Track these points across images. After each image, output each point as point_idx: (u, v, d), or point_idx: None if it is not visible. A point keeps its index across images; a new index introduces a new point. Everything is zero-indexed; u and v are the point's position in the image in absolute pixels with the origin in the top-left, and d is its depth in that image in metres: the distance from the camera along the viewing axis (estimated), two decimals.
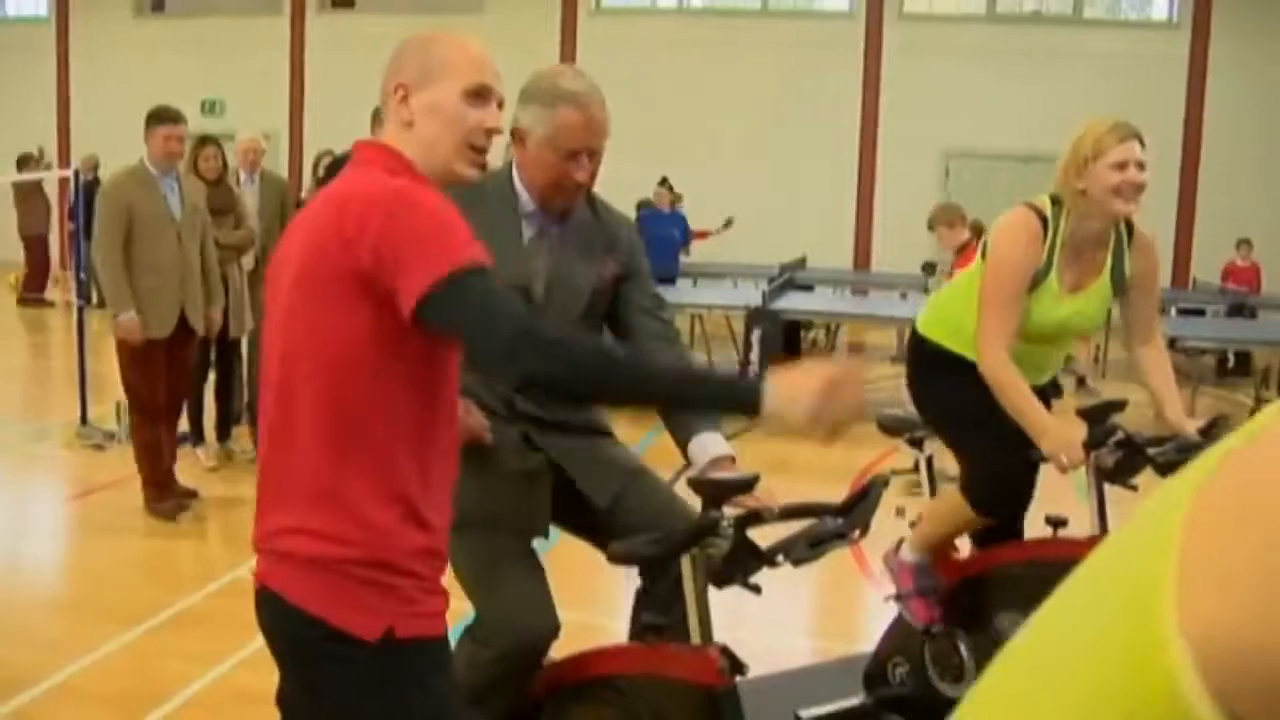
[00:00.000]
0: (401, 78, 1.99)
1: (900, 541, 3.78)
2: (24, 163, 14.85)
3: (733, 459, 2.63)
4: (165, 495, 5.96)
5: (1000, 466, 3.46)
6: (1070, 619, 0.64)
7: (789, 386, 1.85)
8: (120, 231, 5.86)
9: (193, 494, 6.11)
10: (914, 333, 3.75)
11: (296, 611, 1.86)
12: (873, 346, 13.57)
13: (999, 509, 3.54)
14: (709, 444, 2.64)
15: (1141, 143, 3.26)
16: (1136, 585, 0.58)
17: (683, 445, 2.69)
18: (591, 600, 4.76)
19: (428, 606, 1.92)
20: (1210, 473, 0.59)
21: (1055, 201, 3.34)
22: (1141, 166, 3.23)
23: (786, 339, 9.72)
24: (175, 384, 6.09)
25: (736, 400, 1.92)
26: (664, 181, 13.16)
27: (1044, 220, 3.32)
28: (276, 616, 1.91)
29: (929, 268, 13.56)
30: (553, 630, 2.66)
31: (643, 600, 2.81)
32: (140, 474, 5.97)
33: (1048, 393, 3.69)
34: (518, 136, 2.65)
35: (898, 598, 3.76)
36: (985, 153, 16.16)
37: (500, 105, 2.05)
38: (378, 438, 1.85)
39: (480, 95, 1.99)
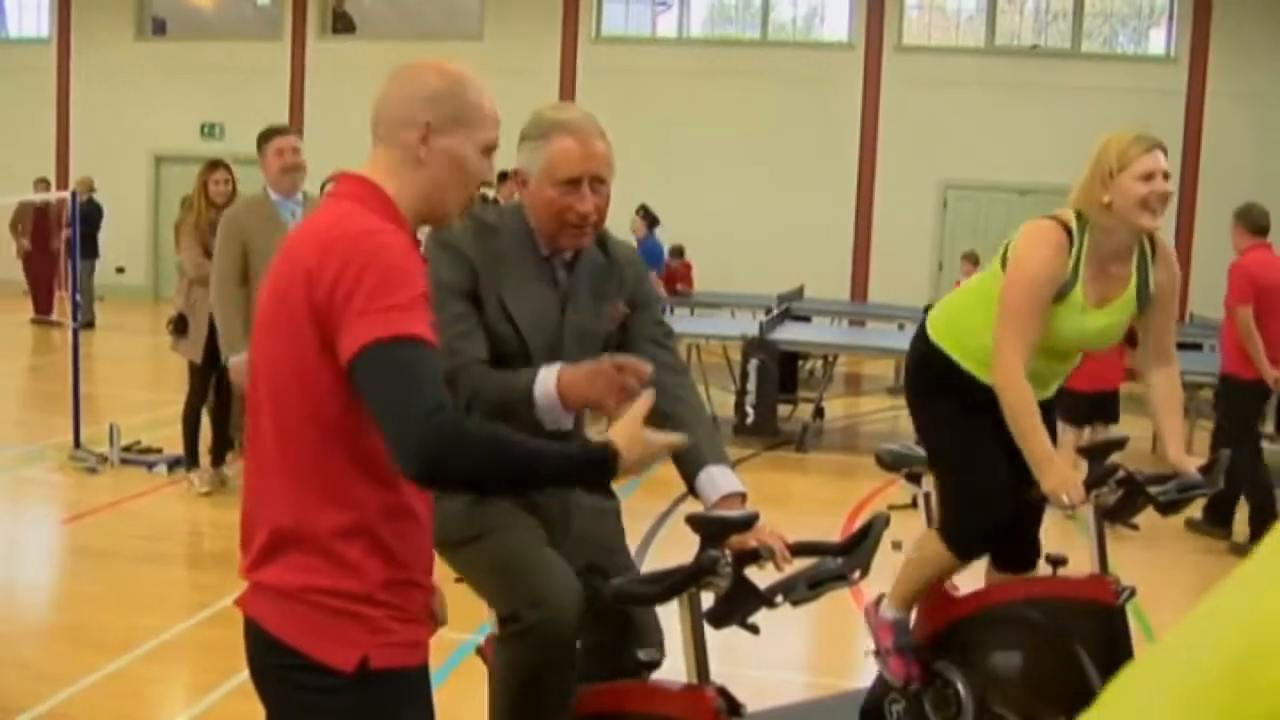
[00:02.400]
0: (429, 116, 1.97)
1: (880, 597, 3.76)
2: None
3: (743, 496, 2.59)
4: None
5: (984, 505, 3.44)
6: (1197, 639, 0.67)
7: (627, 439, 1.97)
8: (234, 265, 5.55)
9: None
10: (921, 335, 3.66)
11: (274, 642, 1.88)
12: (869, 377, 13.57)
13: (973, 544, 3.51)
14: (718, 479, 2.61)
15: (1165, 152, 3.23)
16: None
17: (689, 479, 2.65)
18: None
19: (403, 636, 1.91)
20: None
21: (1078, 216, 3.29)
22: (1167, 176, 3.20)
23: (783, 369, 9.69)
24: None
25: (601, 466, 1.94)
26: (641, 209, 13.14)
27: (1069, 233, 3.28)
28: (256, 646, 1.92)
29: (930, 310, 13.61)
30: (578, 594, 2.56)
31: (637, 636, 2.79)
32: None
33: (1051, 410, 3.61)
34: (519, 179, 2.62)
35: (876, 653, 3.75)
36: (983, 184, 16.25)
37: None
38: (335, 471, 1.86)
39: (488, 152, 2.05)
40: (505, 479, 1.91)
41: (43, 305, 15.21)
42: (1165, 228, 3.35)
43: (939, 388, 3.55)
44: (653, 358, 2.76)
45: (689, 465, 2.65)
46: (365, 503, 1.87)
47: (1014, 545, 3.57)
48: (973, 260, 11.91)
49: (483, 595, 2.70)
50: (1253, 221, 6.86)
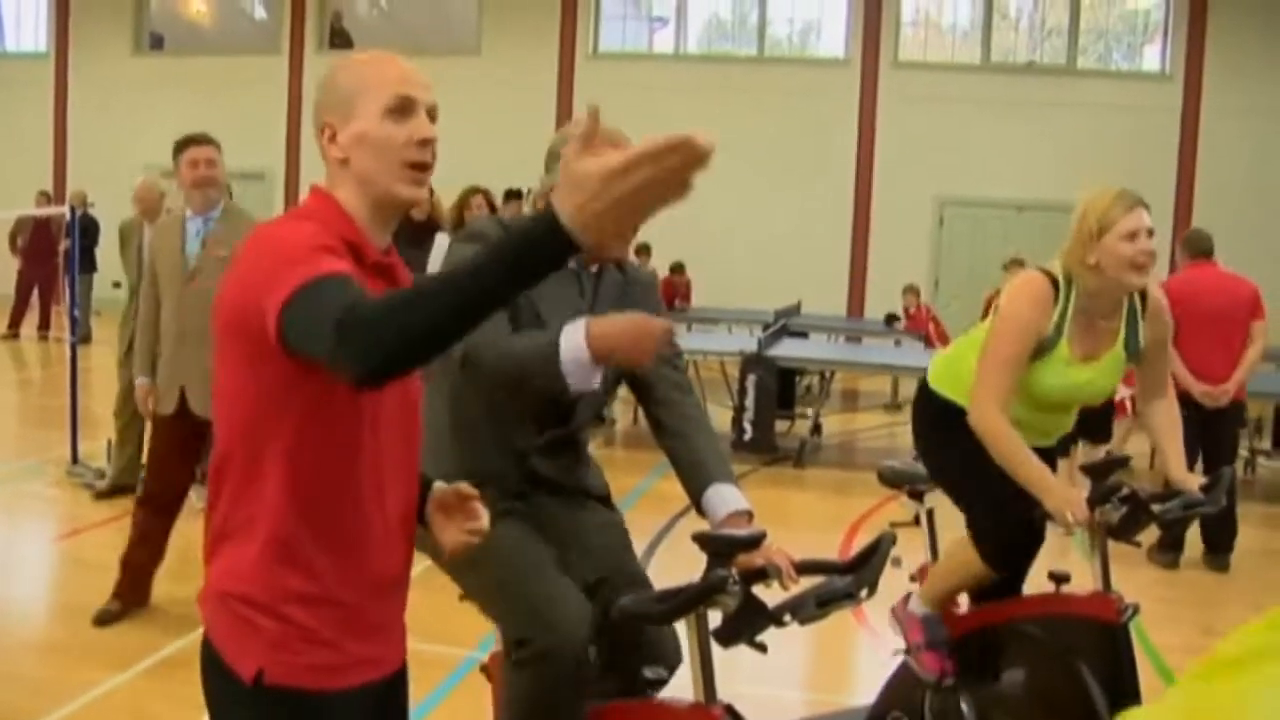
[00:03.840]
0: (326, 116, 1.93)
1: (908, 595, 3.76)
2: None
3: (750, 515, 2.59)
4: (122, 594, 5.06)
5: (1007, 519, 3.44)
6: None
7: (572, 185, 1.44)
8: (149, 283, 5.10)
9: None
10: (923, 386, 3.74)
11: (207, 642, 1.90)
12: (866, 393, 13.58)
13: (1009, 562, 3.52)
14: (725, 496, 2.61)
15: (1147, 208, 3.24)
16: None
17: (695, 497, 2.66)
18: None
19: (305, 657, 1.86)
20: None
21: (1067, 271, 3.32)
22: (1151, 234, 3.21)
23: (781, 385, 9.69)
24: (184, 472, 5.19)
25: (552, 234, 1.45)
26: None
27: (1055, 286, 3.31)
28: (202, 651, 1.93)
29: (891, 319, 13.64)
30: (587, 618, 2.55)
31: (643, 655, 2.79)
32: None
33: (1054, 453, 3.67)
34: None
35: (907, 651, 3.73)
36: (979, 201, 16.30)
37: (432, 115, 1.92)
38: (257, 480, 1.84)
39: (402, 110, 1.88)
40: (450, 319, 1.52)
41: (42, 320, 15.21)
42: (1161, 245, 3.36)
43: (946, 434, 3.57)
44: (666, 380, 2.79)
45: (695, 482, 2.66)
46: (284, 516, 1.83)
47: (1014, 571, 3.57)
48: (1020, 264, 11.86)
49: (490, 616, 2.69)
50: (1192, 245, 7.07)
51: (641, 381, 2.81)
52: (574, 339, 2.39)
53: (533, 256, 1.48)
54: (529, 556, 2.61)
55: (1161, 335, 3.46)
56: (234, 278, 1.82)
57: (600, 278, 2.75)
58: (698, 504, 2.66)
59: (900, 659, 3.79)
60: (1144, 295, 3.40)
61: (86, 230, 14.10)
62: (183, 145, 4.99)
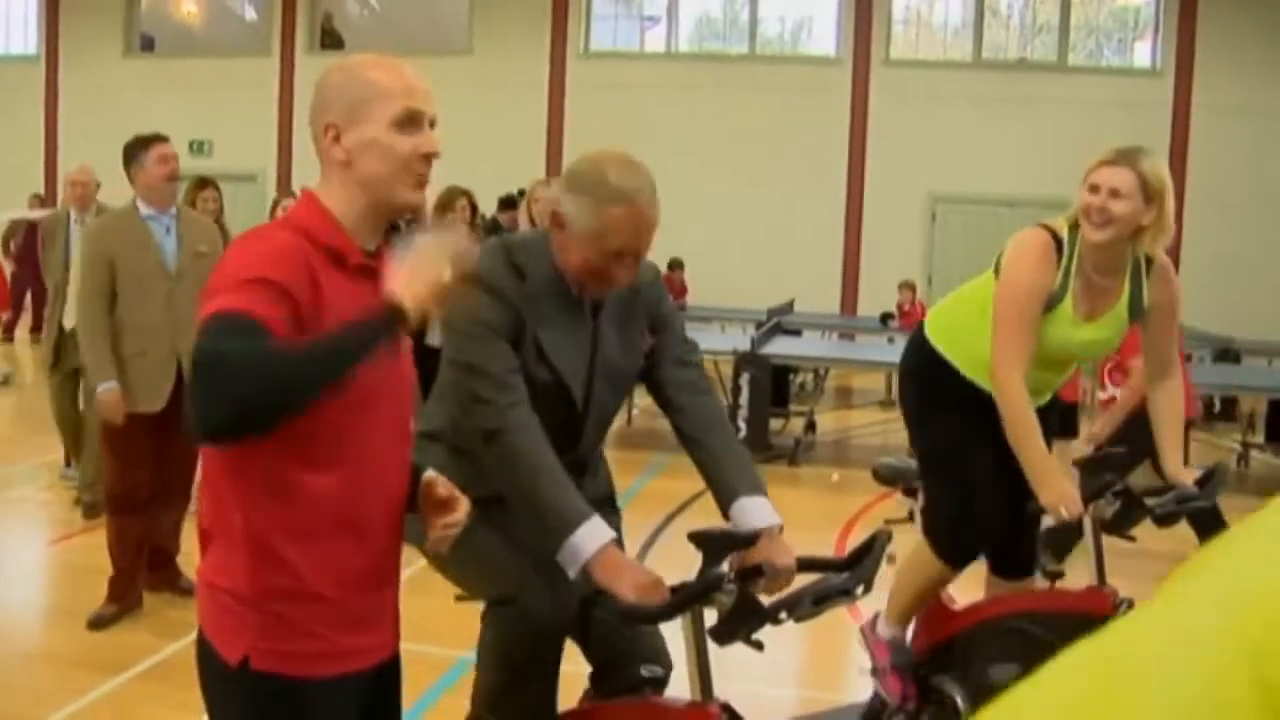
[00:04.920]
0: (330, 117, 1.95)
1: (876, 615, 3.76)
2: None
3: (780, 528, 2.56)
4: (115, 597, 5.08)
5: (972, 508, 3.46)
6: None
7: (408, 276, 1.84)
8: (103, 287, 4.89)
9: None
10: (919, 338, 3.65)
11: (199, 630, 2.00)
12: (860, 390, 13.59)
13: (957, 551, 3.52)
14: (750, 512, 2.57)
15: (1139, 172, 3.17)
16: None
17: (723, 510, 2.62)
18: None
19: (291, 645, 1.93)
20: None
21: (1072, 227, 3.29)
22: (1115, 194, 3.15)
23: (775, 383, 9.69)
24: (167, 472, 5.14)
25: (381, 323, 1.80)
26: None
27: (1058, 242, 3.27)
28: (197, 636, 2.02)
29: (886, 318, 13.63)
30: (571, 595, 2.53)
31: (608, 666, 2.78)
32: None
33: (1049, 419, 3.60)
34: (558, 221, 2.52)
35: (872, 671, 3.74)
36: (971, 197, 16.29)
37: (433, 125, 2.00)
38: (230, 480, 1.92)
39: (410, 121, 1.95)
40: (283, 394, 1.70)
41: (35, 323, 15.15)
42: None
43: (939, 399, 3.55)
44: (679, 381, 2.75)
45: (723, 497, 2.63)
46: (263, 518, 1.90)
47: (1014, 553, 3.57)
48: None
49: (474, 587, 2.68)
50: None
51: (656, 384, 2.78)
52: (586, 547, 2.35)
53: (371, 341, 1.79)
54: (517, 541, 2.60)
55: (1166, 300, 3.40)
56: (210, 280, 1.89)
57: (597, 301, 2.66)
58: (727, 518, 2.62)
59: (873, 680, 3.78)
60: (1149, 258, 3.35)
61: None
62: (148, 142, 5.02)
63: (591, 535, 2.37)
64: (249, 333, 1.71)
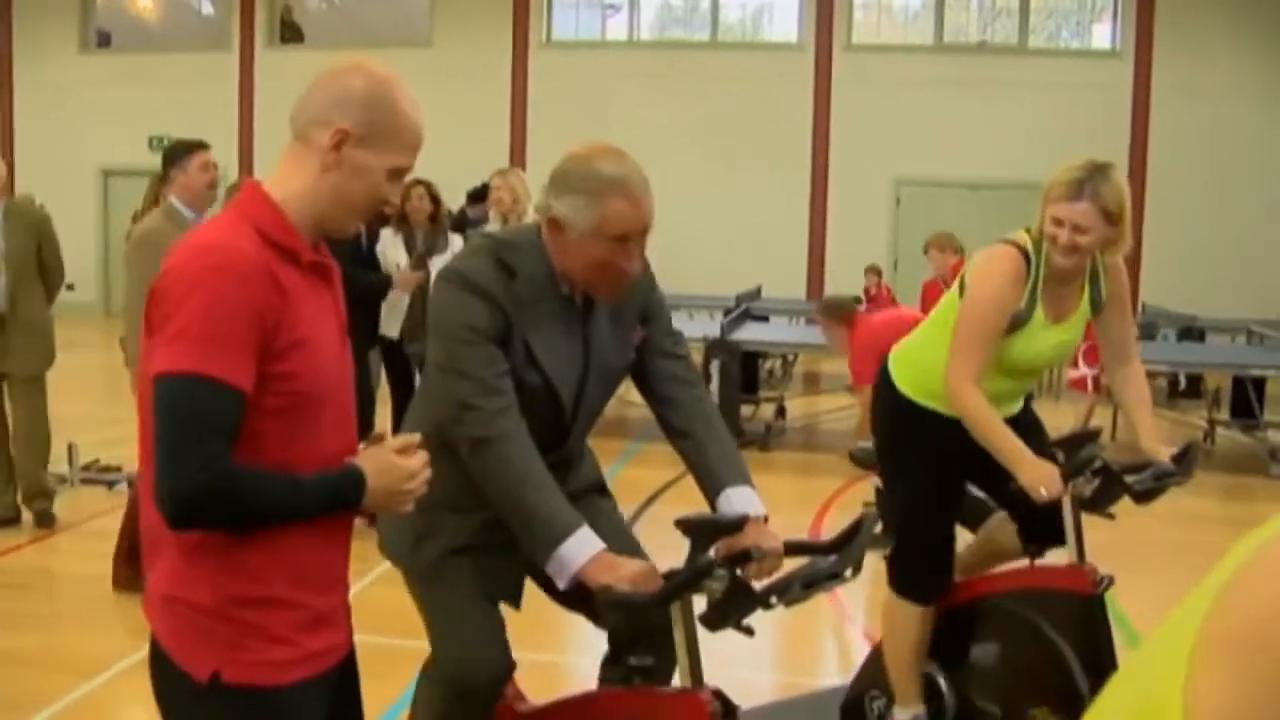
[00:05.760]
0: (346, 123, 1.88)
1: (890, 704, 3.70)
2: None
3: (765, 519, 2.55)
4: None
5: (926, 536, 3.50)
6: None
7: (380, 466, 1.93)
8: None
9: None
10: (884, 379, 3.65)
11: (155, 644, 1.90)
12: (829, 375, 13.63)
13: (920, 588, 3.54)
14: (735, 502, 2.55)
15: (1101, 204, 3.18)
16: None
17: (711, 499, 2.61)
18: (564, 640, 4.71)
19: (263, 655, 1.87)
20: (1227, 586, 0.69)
21: (1038, 240, 3.30)
22: (1078, 229, 3.18)
23: (744, 370, 9.70)
24: None
25: (345, 495, 1.90)
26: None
27: (1027, 260, 3.29)
28: (151, 645, 1.93)
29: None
30: (505, 670, 2.61)
31: (627, 642, 2.78)
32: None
33: (1023, 422, 3.63)
34: (555, 227, 2.46)
35: None
36: (935, 181, 16.38)
37: None
38: None
39: (401, 174, 1.96)
40: (251, 525, 1.85)
41: None
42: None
43: (909, 435, 3.55)
44: (665, 373, 2.72)
45: (709, 487, 2.62)
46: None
47: (1039, 520, 3.54)
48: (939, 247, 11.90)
49: (421, 616, 2.72)
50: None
51: (642, 375, 2.74)
52: (576, 559, 2.33)
53: (329, 510, 1.90)
54: (470, 588, 2.61)
55: (1119, 292, 3.47)
56: (156, 285, 1.82)
57: (588, 299, 2.61)
58: (712, 508, 2.61)
59: (865, 642, 3.78)
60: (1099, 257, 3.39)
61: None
62: (192, 149, 5.38)
63: (580, 546, 2.34)
64: (218, 405, 1.76)
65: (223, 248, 1.81)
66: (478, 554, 2.60)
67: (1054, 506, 3.34)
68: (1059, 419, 8.06)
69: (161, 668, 1.90)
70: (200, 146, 5.40)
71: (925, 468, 3.50)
